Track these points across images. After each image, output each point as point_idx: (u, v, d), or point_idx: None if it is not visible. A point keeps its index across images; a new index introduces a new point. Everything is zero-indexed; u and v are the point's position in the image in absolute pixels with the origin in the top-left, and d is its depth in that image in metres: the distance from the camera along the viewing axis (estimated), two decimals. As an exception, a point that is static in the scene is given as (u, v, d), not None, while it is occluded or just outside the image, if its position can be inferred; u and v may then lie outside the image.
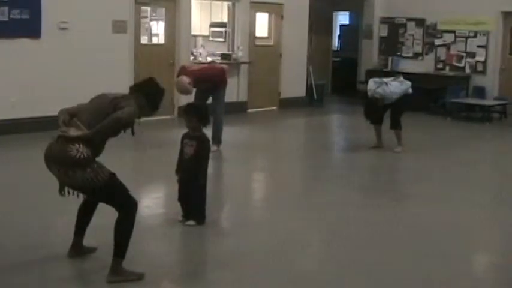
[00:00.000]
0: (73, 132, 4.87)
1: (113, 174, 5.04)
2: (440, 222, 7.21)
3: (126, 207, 5.07)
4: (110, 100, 5.04)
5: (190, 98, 10.01)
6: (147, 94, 5.23)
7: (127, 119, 4.97)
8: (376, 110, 10.73)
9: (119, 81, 10.83)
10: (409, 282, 5.47)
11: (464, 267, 5.99)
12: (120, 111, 4.92)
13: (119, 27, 12.10)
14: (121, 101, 5.03)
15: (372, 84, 10.76)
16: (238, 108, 14.40)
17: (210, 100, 10.30)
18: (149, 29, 13.93)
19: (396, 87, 10.70)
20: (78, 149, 4.84)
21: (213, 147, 9.85)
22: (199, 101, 9.77)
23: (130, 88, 5.33)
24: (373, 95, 10.66)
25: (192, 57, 13.82)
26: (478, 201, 8.31)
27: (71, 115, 5.04)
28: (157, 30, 13.99)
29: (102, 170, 4.97)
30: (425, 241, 6.55)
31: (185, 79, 9.54)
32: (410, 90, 10.86)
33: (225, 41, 15.10)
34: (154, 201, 7.78)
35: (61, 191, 5.13)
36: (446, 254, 6.17)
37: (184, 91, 9.74)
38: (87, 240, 5.59)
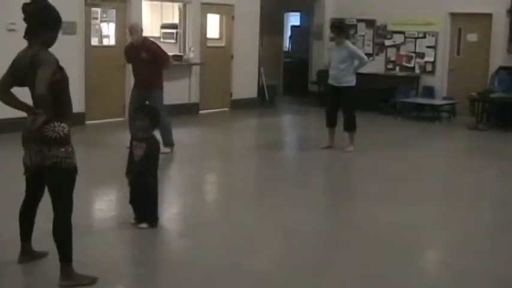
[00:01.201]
0: (39, 119, 4.81)
1: (76, 169, 5.03)
2: (393, 220, 7.29)
3: (66, 208, 5.02)
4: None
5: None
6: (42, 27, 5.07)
7: (48, 65, 4.84)
8: (331, 102, 10.94)
9: (70, 82, 10.67)
10: (365, 282, 5.52)
11: (417, 265, 6.06)
12: (39, 67, 4.80)
13: (68, 28, 11.94)
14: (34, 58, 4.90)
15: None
16: (190, 110, 14.37)
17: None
18: (100, 31, 13.81)
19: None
20: (54, 128, 4.85)
21: (166, 149, 9.82)
22: (135, 105, 9.62)
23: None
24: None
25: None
26: (430, 199, 8.45)
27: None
28: (108, 31, 13.88)
29: (73, 156, 4.99)
30: (379, 240, 6.61)
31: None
32: (355, 81, 11.03)
33: (176, 43, 15.04)
34: (106, 204, 7.72)
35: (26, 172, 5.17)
36: (401, 252, 6.24)
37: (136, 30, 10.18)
38: (39, 246, 5.52)
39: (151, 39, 11.04)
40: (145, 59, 9.99)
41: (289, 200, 8.02)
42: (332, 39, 12.90)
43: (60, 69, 5.01)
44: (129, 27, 10.61)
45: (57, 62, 4.93)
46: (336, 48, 11.07)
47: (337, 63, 10.84)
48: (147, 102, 9.87)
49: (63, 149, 4.90)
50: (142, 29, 10.45)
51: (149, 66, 9.99)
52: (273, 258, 6.18)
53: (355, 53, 10.95)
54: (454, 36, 16.20)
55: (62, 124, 4.92)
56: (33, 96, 4.79)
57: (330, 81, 11.05)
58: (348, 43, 11.09)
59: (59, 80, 4.95)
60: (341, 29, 11.18)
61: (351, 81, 10.89)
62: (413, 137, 13.34)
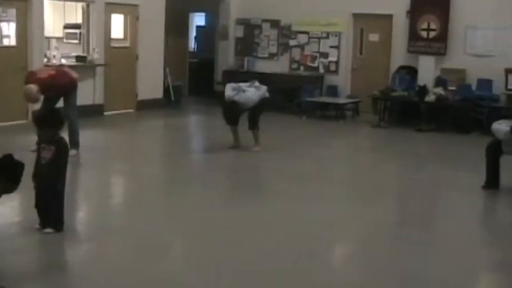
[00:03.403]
0: None
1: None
2: (301, 218, 7.41)
3: None
4: None
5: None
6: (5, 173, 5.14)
7: None
8: (234, 114, 10.89)
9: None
10: (273, 279, 5.58)
11: (324, 261, 6.18)
12: None
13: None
14: None
15: (229, 91, 10.87)
16: (95, 111, 14.16)
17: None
18: (-1, 31, 13.47)
19: (253, 93, 10.91)
20: None
21: (72, 152, 9.65)
22: (47, 105, 9.57)
23: None
24: (231, 99, 10.81)
25: (45, 60, 13.46)
26: (336, 197, 8.62)
27: None
28: (9, 31, 13.52)
29: None
30: (287, 237, 6.70)
31: (33, 87, 9.39)
32: (267, 94, 11.11)
33: (80, 43, 14.81)
34: (10, 209, 7.50)
35: None
36: (310, 249, 6.35)
37: (33, 99, 9.61)
38: None
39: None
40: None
41: (197, 201, 8.03)
42: (237, 39, 12.96)
43: None
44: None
45: None
46: None
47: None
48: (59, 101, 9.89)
49: None
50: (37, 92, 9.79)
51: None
52: (179, 260, 6.18)
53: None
54: (357, 36, 16.55)
55: None
56: None
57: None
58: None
59: None
60: None
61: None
62: (318, 135, 13.57)
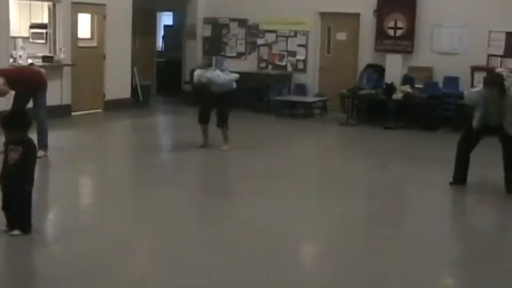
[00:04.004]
0: None
1: None
2: (271, 217, 7.42)
3: None
4: None
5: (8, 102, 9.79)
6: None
7: None
8: (205, 101, 10.98)
9: None
10: (244, 280, 5.58)
11: (295, 259, 6.20)
12: None
13: None
14: None
15: (198, 71, 11.01)
16: (62, 112, 14.04)
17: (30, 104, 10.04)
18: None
19: (222, 75, 11.05)
20: None
21: (41, 153, 9.57)
22: (18, 105, 9.53)
23: None
24: (200, 80, 10.85)
25: (11, 60, 13.32)
26: (305, 194, 8.65)
27: None
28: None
29: None
30: (257, 236, 6.70)
31: (0, 80, 9.31)
32: (235, 85, 11.12)
33: (46, 43, 14.66)
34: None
35: None
36: (280, 248, 6.35)
37: (0, 92, 9.51)
38: None
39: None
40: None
41: (166, 201, 8.01)
42: (205, 38, 12.98)
43: None
44: None
45: None
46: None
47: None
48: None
49: None
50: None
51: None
52: (151, 260, 6.16)
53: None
54: (324, 35, 16.61)
55: None
56: None
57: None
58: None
59: None
60: None
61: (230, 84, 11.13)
62: (287, 134, 13.60)
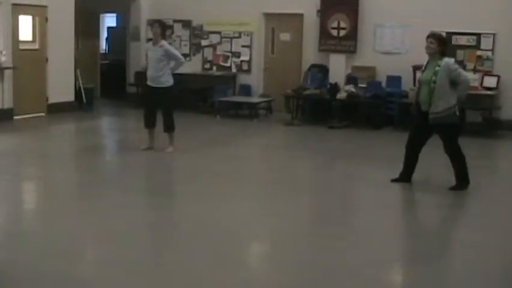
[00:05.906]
0: None
1: None
2: (217, 217, 7.41)
3: None
4: None
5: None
6: None
7: None
8: (148, 105, 11.03)
9: None
10: (191, 281, 5.57)
11: (241, 260, 6.21)
12: None
13: None
14: None
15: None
16: (4, 116, 13.84)
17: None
18: None
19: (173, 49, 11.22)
20: None
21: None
22: None
23: None
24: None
25: (-50, 64, 13.08)
26: (250, 195, 8.67)
27: None
28: None
29: None
30: (205, 238, 6.70)
31: None
32: (173, 82, 11.08)
33: (-14, 46, 14.44)
34: None
35: None
36: (227, 248, 6.36)
37: None
38: None
39: None
40: None
41: (111, 204, 7.95)
42: (149, 40, 12.93)
43: None
44: None
45: None
46: (152, 48, 11.08)
47: (154, 63, 10.87)
48: None
49: None
50: None
51: None
52: (97, 263, 6.10)
53: (171, 52, 11.01)
54: (268, 35, 16.69)
55: None
56: None
57: (148, 82, 11.05)
58: (164, 43, 11.10)
59: None
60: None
61: (168, 81, 10.95)
62: (232, 134, 13.62)
